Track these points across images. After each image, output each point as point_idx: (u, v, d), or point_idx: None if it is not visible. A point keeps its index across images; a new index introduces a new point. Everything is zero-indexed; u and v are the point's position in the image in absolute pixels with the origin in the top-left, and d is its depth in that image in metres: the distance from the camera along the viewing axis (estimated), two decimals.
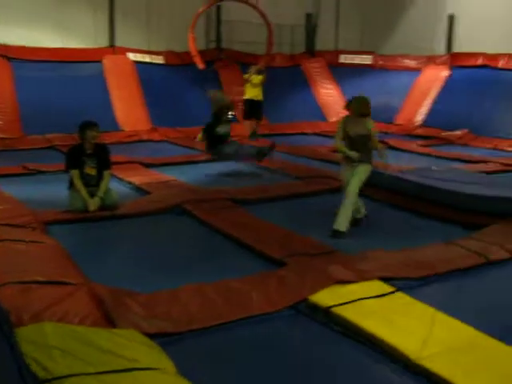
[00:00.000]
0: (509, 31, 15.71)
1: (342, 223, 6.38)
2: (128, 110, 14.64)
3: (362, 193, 6.80)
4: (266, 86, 14.83)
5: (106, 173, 7.17)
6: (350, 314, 4.09)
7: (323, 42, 19.45)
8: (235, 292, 4.46)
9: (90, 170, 7.07)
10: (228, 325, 4.07)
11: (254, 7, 15.47)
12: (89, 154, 7.06)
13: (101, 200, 6.97)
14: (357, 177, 6.55)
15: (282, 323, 4.19)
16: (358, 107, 6.60)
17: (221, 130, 9.64)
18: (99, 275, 4.89)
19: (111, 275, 5.07)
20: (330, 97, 17.62)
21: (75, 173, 6.97)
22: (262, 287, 4.54)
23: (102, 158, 7.15)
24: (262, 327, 4.12)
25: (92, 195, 6.94)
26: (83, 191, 6.89)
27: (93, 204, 6.87)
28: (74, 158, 7.05)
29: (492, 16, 16.09)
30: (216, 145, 9.69)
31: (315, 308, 4.29)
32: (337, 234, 6.34)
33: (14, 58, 14.44)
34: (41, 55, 14.76)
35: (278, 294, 4.44)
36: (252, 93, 14.08)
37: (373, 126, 6.59)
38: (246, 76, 14.27)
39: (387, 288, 4.57)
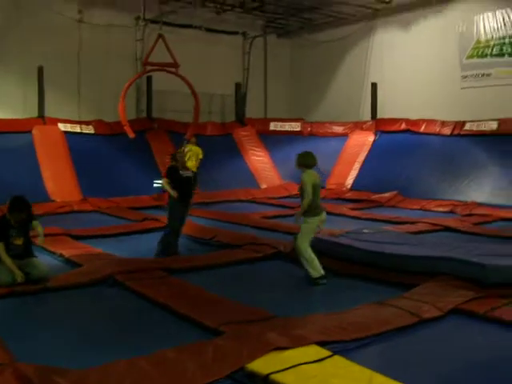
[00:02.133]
0: (428, 98, 16.58)
1: (311, 272, 7.05)
2: (58, 181, 14.43)
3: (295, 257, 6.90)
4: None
5: (35, 223, 7.11)
6: (289, 380, 4.04)
7: (253, 110, 19.93)
8: (171, 364, 4.33)
9: (17, 241, 6.86)
10: None
11: (181, 77, 15.73)
12: (15, 226, 6.87)
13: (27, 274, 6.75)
14: (300, 233, 7.19)
15: None
16: (296, 160, 7.39)
17: (184, 173, 8.94)
18: (28, 353, 4.68)
19: (41, 352, 4.85)
20: (261, 164, 17.94)
21: (1, 246, 6.73)
22: (199, 357, 4.44)
23: (26, 222, 6.98)
24: None
25: (19, 268, 6.70)
26: (11, 264, 6.64)
27: (20, 276, 6.62)
28: (0, 230, 6.83)
29: (412, 84, 16.97)
30: (184, 193, 8.77)
31: (253, 376, 4.21)
32: (316, 280, 7.03)
33: None
34: None
35: (214, 364, 4.34)
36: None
37: (306, 178, 7.12)
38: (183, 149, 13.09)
39: (324, 352, 4.55)
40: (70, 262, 8.18)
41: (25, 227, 6.95)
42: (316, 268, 7.07)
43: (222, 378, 4.21)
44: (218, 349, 4.60)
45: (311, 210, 7.11)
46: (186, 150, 13.67)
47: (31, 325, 5.72)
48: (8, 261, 6.66)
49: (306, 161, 7.34)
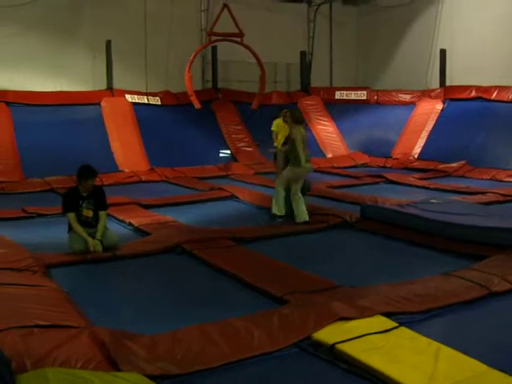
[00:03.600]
0: (499, 64, 15.96)
1: (274, 208, 8.77)
2: (126, 152, 14.74)
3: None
4: (263, 124, 14.93)
5: (103, 213, 7.20)
6: (354, 350, 4.07)
7: (318, 79, 19.72)
8: (238, 331, 4.43)
9: (87, 212, 7.09)
10: (232, 365, 4.04)
11: (247, 47, 15.70)
12: (85, 196, 7.10)
13: (100, 241, 6.99)
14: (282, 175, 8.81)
15: (287, 361, 4.16)
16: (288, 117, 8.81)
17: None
18: (101, 318, 4.89)
19: (113, 317, 5.05)
20: (327, 133, 17.76)
21: (72, 216, 6.99)
22: (265, 326, 4.51)
23: (98, 199, 7.19)
24: (266, 366, 4.09)
25: (91, 237, 6.95)
26: (83, 232, 6.91)
27: (93, 244, 6.87)
28: (71, 201, 7.08)
29: (482, 50, 16.36)
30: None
31: (319, 345, 4.27)
32: (274, 216, 8.74)
33: (13, 103, 14.62)
34: (39, 99, 14.97)
35: (280, 333, 4.41)
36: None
37: (296, 131, 8.55)
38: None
39: (390, 323, 4.54)
40: (139, 231, 8.42)
41: (95, 198, 7.16)
42: (280, 208, 8.72)
43: (288, 346, 4.29)
44: (284, 317, 4.66)
45: (297, 161, 8.50)
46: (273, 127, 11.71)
47: (103, 291, 5.95)
48: (79, 229, 6.92)
49: (296, 117, 8.68)
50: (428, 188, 12.10)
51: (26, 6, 14.71)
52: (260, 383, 3.90)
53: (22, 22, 14.95)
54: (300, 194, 8.67)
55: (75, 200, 7.07)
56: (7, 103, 14.55)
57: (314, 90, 19.31)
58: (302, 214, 8.56)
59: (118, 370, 3.77)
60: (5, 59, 14.70)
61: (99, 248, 6.91)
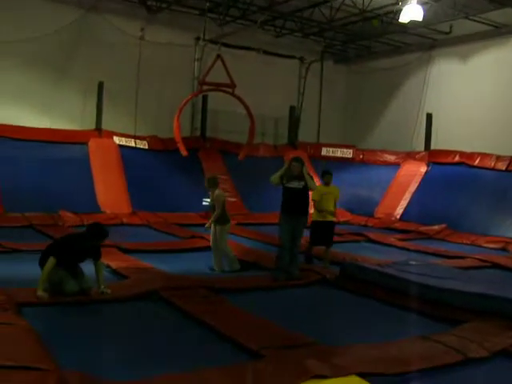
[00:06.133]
0: (483, 132, 16.31)
1: (217, 265, 9.26)
2: (109, 193, 14.71)
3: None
4: (249, 176, 14.97)
5: (100, 263, 7.18)
6: None
7: (306, 134, 19.98)
8: (210, 383, 4.34)
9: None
10: None
11: (238, 98, 15.90)
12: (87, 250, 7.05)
13: (100, 289, 6.98)
14: (220, 237, 9.35)
15: None
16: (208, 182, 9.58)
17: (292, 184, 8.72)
18: (72, 361, 4.76)
19: (84, 362, 4.91)
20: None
21: (54, 262, 6.69)
22: (238, 380, 4.43)
23: (97, 251, 7.13)
24: None
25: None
26: (44, 280, 6.65)
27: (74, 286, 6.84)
28: (68, 251, 6.89)
29: (468, 116, 16.73)
30: (292, 206, 8.72)
31: None
32: (214, 270, 9.19)
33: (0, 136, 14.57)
34: (26, 134, 14.98)
35: None
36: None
37: (220, 194, 9.38)
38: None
39: None
40: (116, 274, 8.32)
41: (94, 251, 7.11)
42: (220, 265, 9.24)
43: None
44: (258, 372, 4.58)
45: (224, 219, 9.29)
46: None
47: (76, 334, 5.81)
48: (45, 276, 6.64)
49: (216, 182, 9.45)
50: (408, 249, 12.15)
51: (21, 43, 14.85)
52: None
53: (16, 57, 15.08)
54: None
55: (73, 252, 6.90)
56: None
57: (301, 145, 19.53)
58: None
59: None
60: None
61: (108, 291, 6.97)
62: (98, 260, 7.13)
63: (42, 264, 6.86)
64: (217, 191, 9.37)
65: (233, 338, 5.63)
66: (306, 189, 8.64)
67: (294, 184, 8.56)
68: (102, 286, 7.01)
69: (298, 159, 8.76)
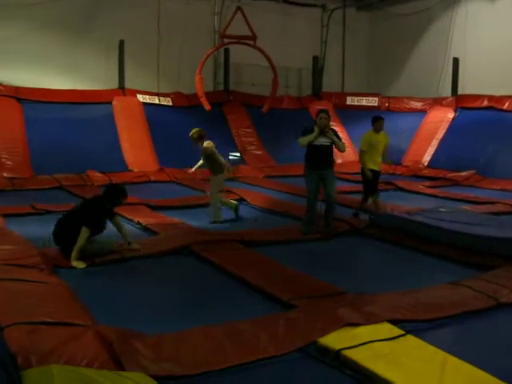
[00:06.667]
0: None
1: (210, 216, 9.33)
2: (136, 151, 14.78)
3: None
4: (273, 128, 14.86)
5: (118, 218, 7.31)
6: (360, 356, 4.04)
7: (330, 84, 19.70)
8: (243, 335, 4.42)
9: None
10: (236, 368, 4.02)
11: (260, 50, 15.71)
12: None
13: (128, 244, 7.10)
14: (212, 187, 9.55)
15: (292, 366, 4.14)
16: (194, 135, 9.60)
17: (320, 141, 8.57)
18: (107, 317, 4.87)
19: (119, 317, 5.04)
20: None
21: (88, 233, 6.70)
22: (271, 330, 4.50)
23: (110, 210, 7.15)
24: (271, 370, 4.07)
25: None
26: (79, 250, 6.67)
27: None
28: (101, 221, 6.97)
29: (496, 59, 16.28)
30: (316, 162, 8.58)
31: (325, 351, 4.25)
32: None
33: (25, 100, 14.68)
34: (51, 96, 15.04)
35: (286, 337, 4.40)
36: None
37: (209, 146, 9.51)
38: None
39: (397, 331, 4.52)
40: (147, 230, 8.43)
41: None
42: (218, 215, 9.27)
43: (293, 351, 4.27)
44: (290, 322, 4.65)
45: (216, 169, 9.46)
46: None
47: (109, 291, 5.95)
48: (80, 246, 6.65)
49: (201, 135, 9.51)
50: (437, 196, 12.05)
51: (40, 5, 14.77)
52: None
53: (36, 20, 15.01)
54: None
55: (103, 220, 6.98)
56: (19, 99, 14.63)
57: (325, 95, 19.29)
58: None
59: (123, 369, 3.76)
60: (18, 56, 14.76)
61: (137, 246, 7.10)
62: (114, 217, 7.17)
63: (58, 236, 6.85)
64: (205, 143, 9.48)
65: (264, 289, 5.70)
66: (332, 144, 8.53)
67: (322, 141, 8.45)
68: (130, 240, 7.08)
69: (325, 111, 8.67)
